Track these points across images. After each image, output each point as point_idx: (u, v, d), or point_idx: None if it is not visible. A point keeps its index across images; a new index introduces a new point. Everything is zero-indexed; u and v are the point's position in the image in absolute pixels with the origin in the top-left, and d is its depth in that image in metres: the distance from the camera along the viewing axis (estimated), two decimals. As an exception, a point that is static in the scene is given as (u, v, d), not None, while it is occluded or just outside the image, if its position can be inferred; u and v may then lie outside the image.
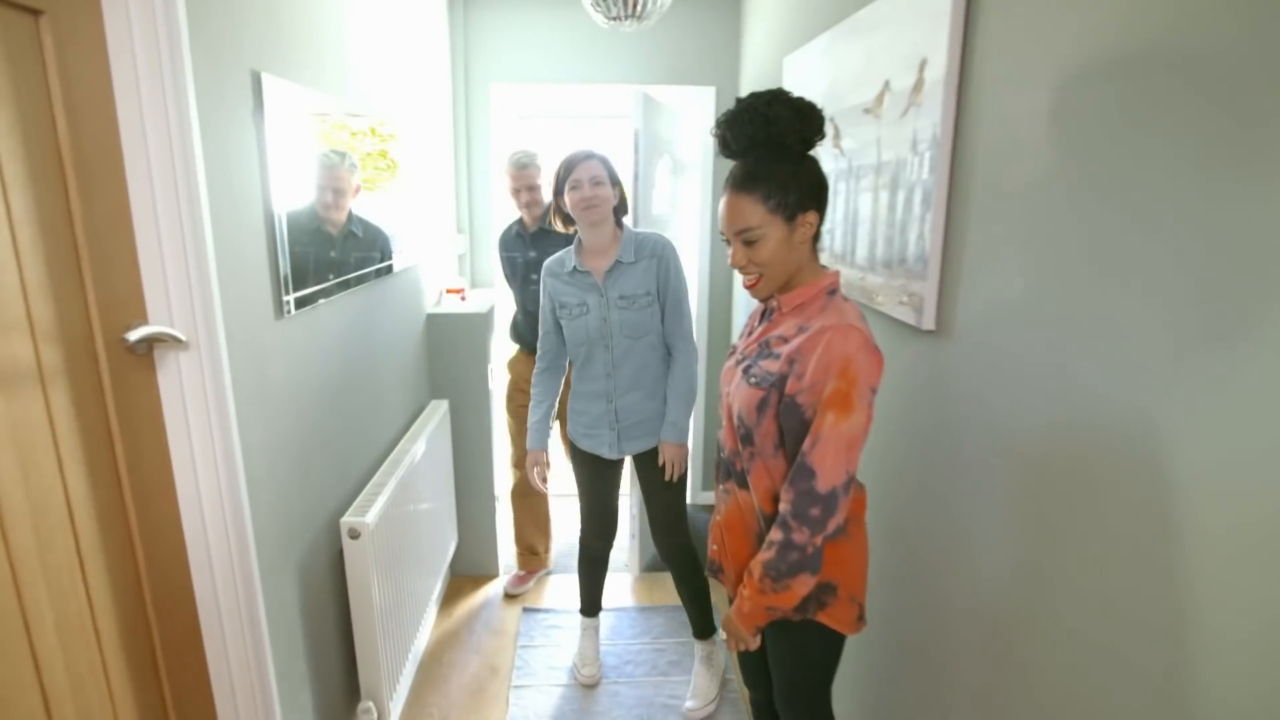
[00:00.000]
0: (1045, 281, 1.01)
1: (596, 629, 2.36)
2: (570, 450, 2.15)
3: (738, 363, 1.28)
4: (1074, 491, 0.96)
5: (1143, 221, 0.84)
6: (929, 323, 1.31)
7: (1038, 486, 1.03)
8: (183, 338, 1.07)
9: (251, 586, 1.25)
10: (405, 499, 1.98)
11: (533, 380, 2.10)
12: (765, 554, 1.16)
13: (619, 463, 2.11)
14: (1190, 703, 0.78)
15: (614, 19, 1.63)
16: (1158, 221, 0.81)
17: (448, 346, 2.59)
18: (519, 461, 2.72)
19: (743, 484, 1.28)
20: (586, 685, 2.25)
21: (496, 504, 2.78)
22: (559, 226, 2.01)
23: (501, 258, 2.71)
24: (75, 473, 0.95)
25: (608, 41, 3.01)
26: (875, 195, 1.53)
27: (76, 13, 0.93)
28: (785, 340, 1.18)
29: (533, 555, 2.80)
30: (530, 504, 2.75)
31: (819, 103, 1.77)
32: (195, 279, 1.09)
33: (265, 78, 1.29)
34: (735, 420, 1.25)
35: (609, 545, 2.25)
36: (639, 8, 1.58)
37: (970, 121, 1.20)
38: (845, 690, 1.82)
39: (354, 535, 1.64)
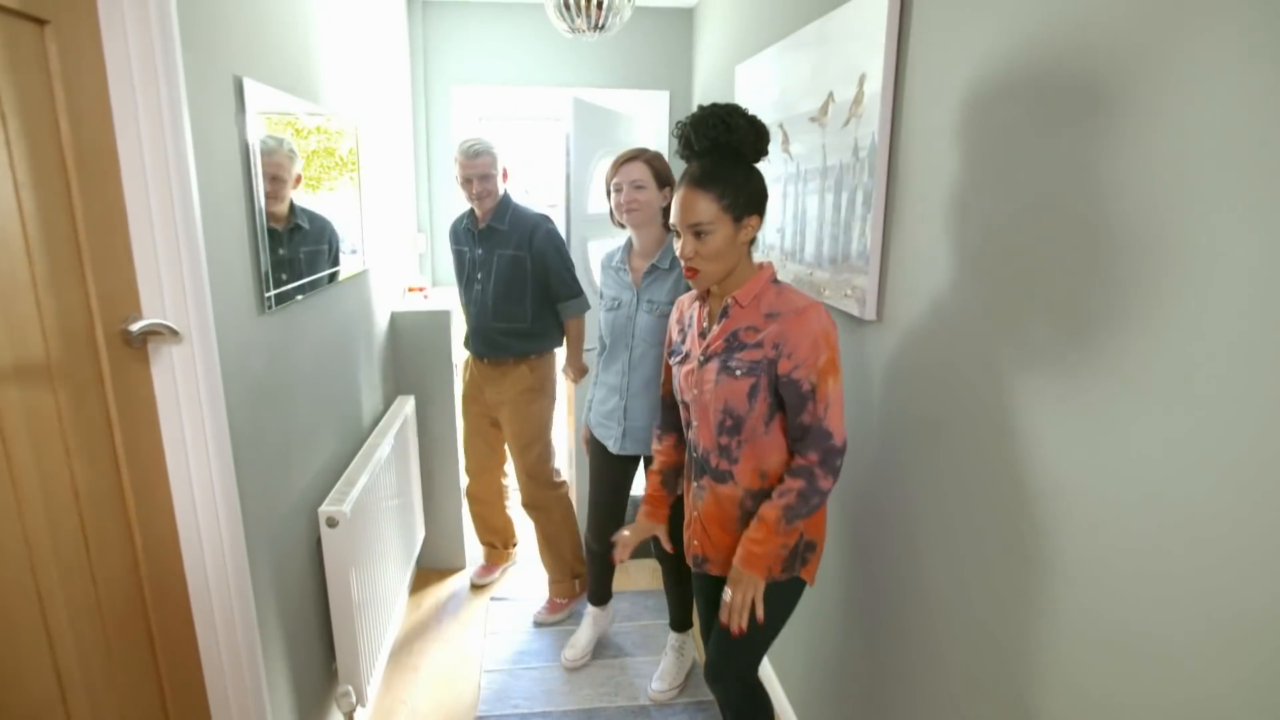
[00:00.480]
0: (965, 275, 1.15)
1: (597, 619, 2.39)
2: (586, 436, 2.20)
3: (703, 363, 1.36)
4: (989, 461, 1.10)
5: (1039, 223, 0.98)
6: (870, 314, 1.45)
7: (961, 458, 1.18)
8: (179, 330, 1.13)
9: (241, 571, 1.30)
10: (377, 491, 2.03)
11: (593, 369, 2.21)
12: (783, 500, 1.29)
13: (628, 463, 2.14)
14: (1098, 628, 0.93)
15: (577, 30, 1.72)
16: (1053, 223, 0.96)
17: (412, 344, 2.64)
18: (471, 469, 2.71)
19: (720, 479, 1.38)
20: (566, 668, 2.31)
21: (462, 498, 2.84)
22: (614, 225, 2.01)
23: (452, 250, 2.54)
24: (80, 460, 1.00)
25: (567, 46, 3.10)
26: (821, 197, 1.66)
27: (78, 22, 0.99)
28: (757, 330, 1.29)
29: (494, 550, 2.84)
30: (484, 508, 2.77)
31: (770, 110, 1.90)
32: (188, 274, 1.14)
33: (246, 82, 1.35)
34: (719, 416, 1.34)
35: (608, 548, 2.23)
36: (601, 21, 1.68)
37: (904, 131, 1.34)
38: (798, 640, 1.95)
39: (332, 524, 1.70)
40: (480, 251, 2.41)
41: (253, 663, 1.35)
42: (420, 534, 2.68)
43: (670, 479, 1.65)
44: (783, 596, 1.41)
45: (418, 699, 2.20)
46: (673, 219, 1.29)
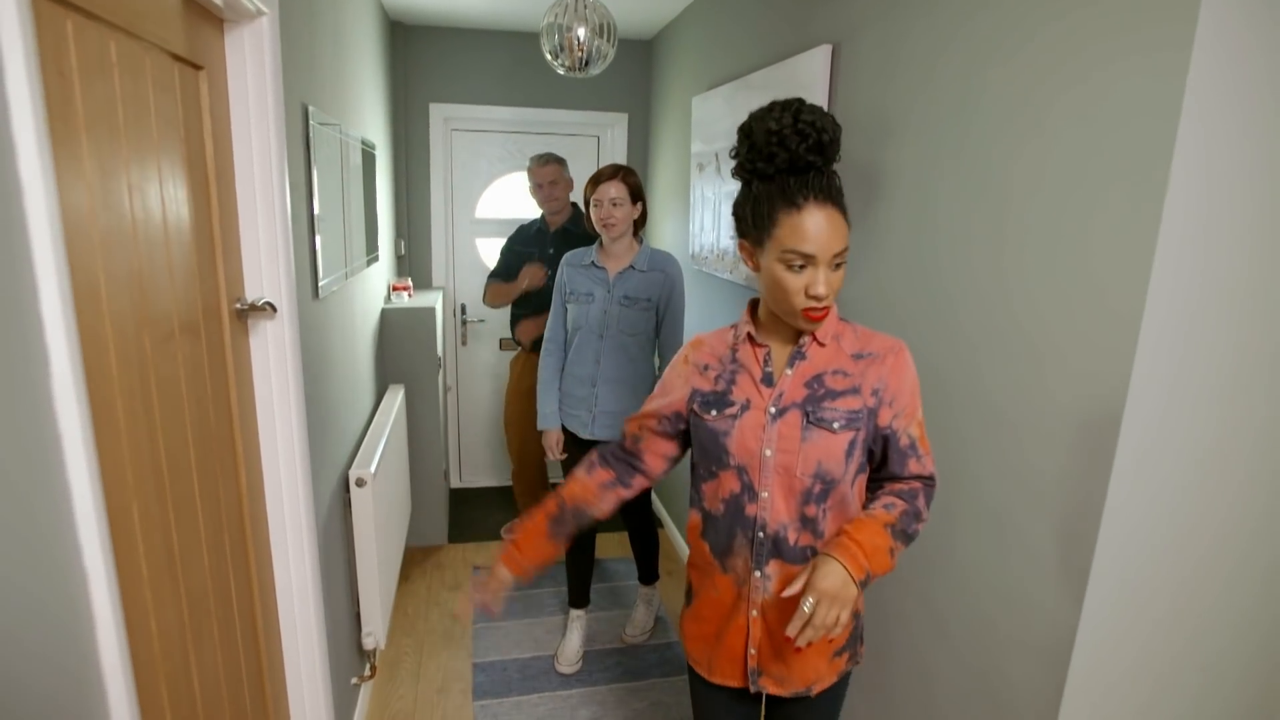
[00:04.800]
0: (871, 281, 1.56)
1: (584, 624, 2.45)
2: (556, 439, 2.34)
3: (776, 415, 1.09)
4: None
5: (934, 252, 1.39)
6: (811, 299, 1.86)
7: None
8: (277, 307, 1.41)
9: (310, 515, 1.58)
10: (388, 461, 2.31)
11: (542, 365, 2.30)
12: (894, 511, 1.08)
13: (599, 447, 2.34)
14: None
15: (569, 69, 2.07)
16: (951, 244, 1.37)
17: (401, 338, 2.90)
18: (512, 456, 3.05)
19: (798, 559, 1.12)
20: (564, 674, 2.36)
21: (446, 480, 3.11)
22: (589, 229, 2.25)
23: (514, 252, 2.85)
24: (213, 404, 1.27)
25: (533, 68, 3.44)
26: (770, 209, 2.06)
27: (216, 66, 1.27)
28: (846, 374, 1.10)
29: None
30: (520, 489, 3.07)
31: (723, 137, 2.24)
32: (282, 264, 1.43)
33: (310, 108, 1.63)
34: (808, 481, 1.09)
35: (586, 542, 2.41)
36: (586, 64, 2.04)
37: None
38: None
39: (360, 484, 1.97)
40: (552, 251, 2.78)
41: (316, 593, 1.62)
42: (409, 511, 2.94)
43: (567, 518, 1.26)
44: (842, 689, 1.25)
45: (419, 651, 2.47)
46: (806, 247, 0.99)
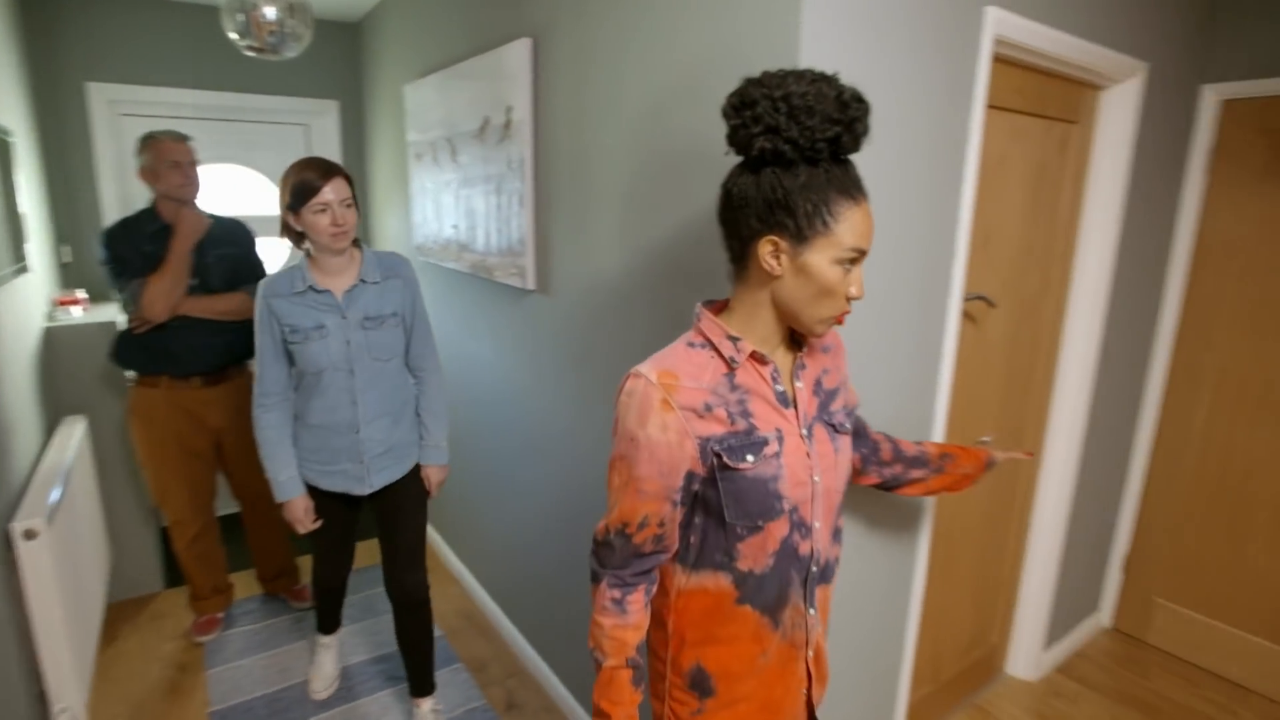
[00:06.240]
0: (591, 255, 1.69)
1: (335, 647, 2.29)
2: (304, 506, 1.88)
3: (809, 435, 0.99)
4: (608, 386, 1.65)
5: (637, 222, 1.54)
6: (530, 284, 1.94)
7: (605, 395, 1.72)
8: None
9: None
10: (67, 508, 1.96)
11: (262, 425, 1.81)
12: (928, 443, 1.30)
13: (360, 500, 1.96)
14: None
15: (259, 51, 1.90)
16: (647, 222, 1.53)
17: (75, 360, 2.46)
18: (182, 518, 2.42)
19: (831, 577, 1.06)
20: (318, 700, 2.22)
21: (151, 522, 2.71)
22: (288, 243, 1.78)
23: (134, 254, 2.14)
24: None
25: (224, 46, 3.09)
26: (486, 199, 2.11)
27: None
28: (828, 371, 1.05)
29: (220, 594, 2.59)
30: (203, 548, 2.50)
31: (438, 126, 2.20)
32: None
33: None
34: (839, 492, 1.04)
35: (346, 577, 2.14)
36: (274, 44, 1.89)
37: (546, 149, 1.84)
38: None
39: (30, 536, 1.66)
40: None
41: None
42: (107, 561, 2.52)
43: (641, 661, 1.05)
44: None
45: (138, 713, 2.15)
46: (859, 243, 0.89)
